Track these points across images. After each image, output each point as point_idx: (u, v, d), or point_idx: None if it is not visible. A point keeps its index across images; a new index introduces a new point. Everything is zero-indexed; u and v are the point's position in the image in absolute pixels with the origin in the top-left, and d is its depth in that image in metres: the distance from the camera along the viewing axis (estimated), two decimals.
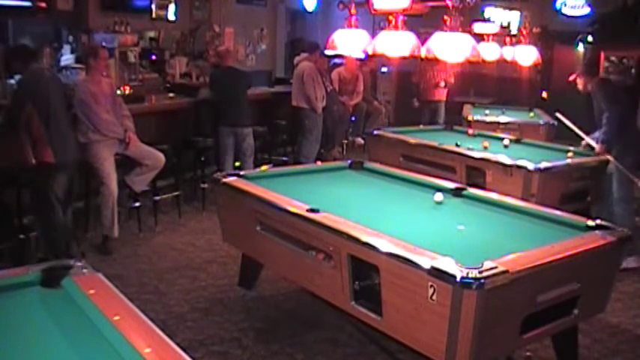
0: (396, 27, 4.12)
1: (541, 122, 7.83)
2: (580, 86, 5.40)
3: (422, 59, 5.70)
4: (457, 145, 5.63)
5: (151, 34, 8.08)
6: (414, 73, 9.67)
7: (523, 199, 4.33)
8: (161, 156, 5.34)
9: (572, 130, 5.57)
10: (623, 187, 5.05)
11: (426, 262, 2.54)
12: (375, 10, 4.36)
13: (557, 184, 4.91)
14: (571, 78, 5.57)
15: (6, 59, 4.76)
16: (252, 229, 3.69)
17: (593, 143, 5.25)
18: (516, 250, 2.75)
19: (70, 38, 7.06)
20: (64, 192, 4.51)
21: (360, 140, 9.19)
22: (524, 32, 7.01)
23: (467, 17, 4.27)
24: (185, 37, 8.60)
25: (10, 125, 4.34)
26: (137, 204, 5.41)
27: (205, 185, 6.06)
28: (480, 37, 6.41)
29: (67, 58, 6.81)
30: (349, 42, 4.21)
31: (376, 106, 9.65)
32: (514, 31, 8.69)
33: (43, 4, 6.54)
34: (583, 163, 5.20)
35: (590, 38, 9.53)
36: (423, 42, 4.08)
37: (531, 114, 8.50)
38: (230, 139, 6.44)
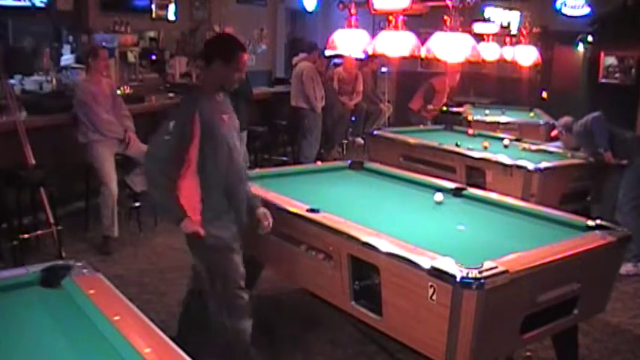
0: (396, 27, 4.12)
1: (541, 122, 7.84)
2: (564, 143, 5.53)
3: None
4: (457, 145, 5.63)
5: (151, 34, 8.06)
6: (446, 77, 8.39)
7: (523, 199, 4.33)
8: None
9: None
10: (633, 190, 4.89)
11: (426, 262, 2.54)
12: (375, 10, 4.36)
13: (557, 184, 4.91)
14: (552, 134, 5.81)
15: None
16: (252, 228, 3.67)
17: (601, 151, 5.02)
18: (516, 250, 2.75)
19: (70, 38, 7.05)
20: None
21: (360, 140, 9.18)
22: (524, 32, 7.01)
23: (467, 17, 4.26)
24: (185, 37, 8.59)
25: None
26: (137, 204, 5.41)
27: None
28: (480, 37, 6.40)
29: (67, 58, 6.80)
30: (349, 42, 4.21)
31: (381, 107, 9.57)
32: (514, 31, 8.65)
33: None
34: (583, 163, 5.20)
35: (590, 38, 9.52)
36: (423, 42, 4.08)
37: (531, 114, 8.51)
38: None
